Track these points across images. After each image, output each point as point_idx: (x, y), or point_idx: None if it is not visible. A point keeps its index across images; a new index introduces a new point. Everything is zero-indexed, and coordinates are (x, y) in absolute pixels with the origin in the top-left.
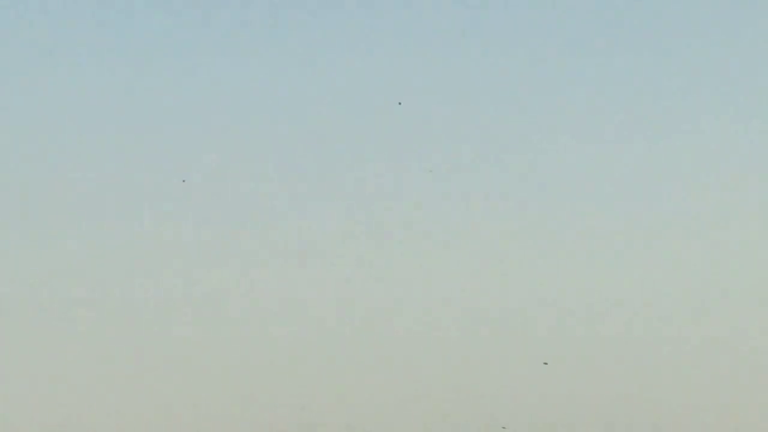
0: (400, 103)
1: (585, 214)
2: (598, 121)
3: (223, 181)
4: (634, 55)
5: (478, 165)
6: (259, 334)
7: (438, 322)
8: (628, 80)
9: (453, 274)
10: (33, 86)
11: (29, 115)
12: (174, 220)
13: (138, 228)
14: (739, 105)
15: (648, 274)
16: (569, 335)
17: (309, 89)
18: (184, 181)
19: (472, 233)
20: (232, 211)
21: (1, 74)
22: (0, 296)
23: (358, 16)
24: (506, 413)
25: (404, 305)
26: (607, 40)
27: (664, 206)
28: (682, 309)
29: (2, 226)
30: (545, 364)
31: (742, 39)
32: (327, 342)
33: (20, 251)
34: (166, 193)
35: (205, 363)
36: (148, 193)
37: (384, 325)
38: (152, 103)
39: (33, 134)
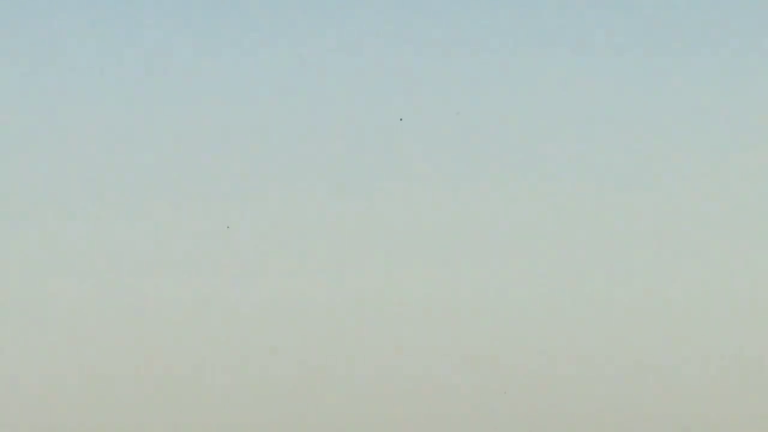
0: (401, 119)
1: (588, 214)
2: (602, 121)
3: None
4: (642, 56)
5: (481, 166)
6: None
7: (440, 324)
8: (632, 82)
9: (455, 275)
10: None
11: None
12: (174, 219)
13: (139, 228)
14: (744, 104)
15: (656, 276)
16: (572, 336)
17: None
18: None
19: (474, 234)
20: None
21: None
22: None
23: (358, 13)
24: (505, 413)
25: (406, 305)
26: (612, 41)
27: (671, 207)
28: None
29: (2, 226)
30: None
31: (744, 40)
32: (324, 341)
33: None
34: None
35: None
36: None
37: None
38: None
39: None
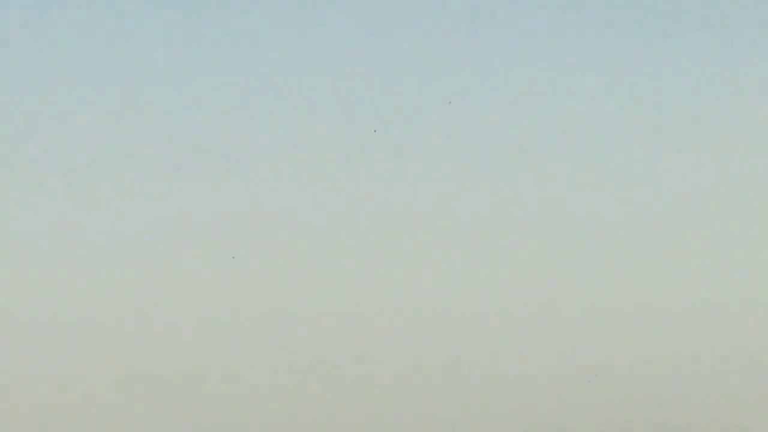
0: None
1: (585, 214)
2: (601, 119)
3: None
4: (639, 53)
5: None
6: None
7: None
8: (630, 81)
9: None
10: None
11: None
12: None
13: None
14: (742, 103)
15: (651, 276)
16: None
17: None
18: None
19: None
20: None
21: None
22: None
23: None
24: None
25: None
26: (610, 37)
27: (666, 207)
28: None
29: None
30: None
31: (743, 37)
32: (319, 341)
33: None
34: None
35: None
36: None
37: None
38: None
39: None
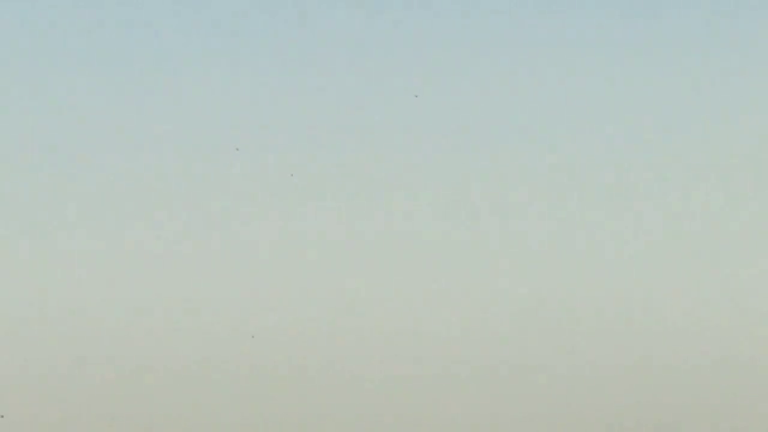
0: (416, 96)
1: (582, 215)
2: (597, 120)
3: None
4: (635, 58)
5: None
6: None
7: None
8: (627, 82)
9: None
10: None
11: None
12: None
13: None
14: (740, 105)
15: (647, 274)
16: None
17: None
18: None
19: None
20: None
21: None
22: (3, 302)
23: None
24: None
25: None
26: (609, 43)
27: (663, 207)
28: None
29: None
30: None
31: (743, 40)
32: (319, 342)
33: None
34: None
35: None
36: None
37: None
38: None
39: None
